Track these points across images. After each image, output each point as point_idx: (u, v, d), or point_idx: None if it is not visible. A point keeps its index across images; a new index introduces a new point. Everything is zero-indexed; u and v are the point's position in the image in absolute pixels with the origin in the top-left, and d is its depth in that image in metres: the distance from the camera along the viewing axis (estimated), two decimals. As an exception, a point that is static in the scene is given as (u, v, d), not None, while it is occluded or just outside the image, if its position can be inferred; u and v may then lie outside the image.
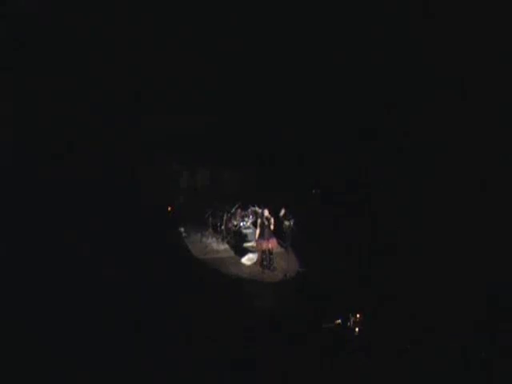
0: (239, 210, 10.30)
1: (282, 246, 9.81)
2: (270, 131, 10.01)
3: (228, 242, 10.36)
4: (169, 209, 10.59)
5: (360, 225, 9.06)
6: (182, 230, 10.57)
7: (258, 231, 9.20)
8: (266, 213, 9.13)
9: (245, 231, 10.20)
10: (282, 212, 9.63)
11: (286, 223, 9.66)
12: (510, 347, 5.22)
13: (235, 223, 10.31)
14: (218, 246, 10.25)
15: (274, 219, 9.09)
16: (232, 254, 9.94)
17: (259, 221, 9.19)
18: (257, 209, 10.03)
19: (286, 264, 9.24)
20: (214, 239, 10.52)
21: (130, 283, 7.47)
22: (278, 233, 9.44)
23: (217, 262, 9.39)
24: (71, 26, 8.54)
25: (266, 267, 9.12)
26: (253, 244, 9.82)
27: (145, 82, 9.60)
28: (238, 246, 10.06)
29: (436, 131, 7.81)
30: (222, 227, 10.37)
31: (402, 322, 6.19)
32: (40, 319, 6.03)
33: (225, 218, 10.25)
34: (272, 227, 9.06)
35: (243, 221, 10.29)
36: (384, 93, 8.24)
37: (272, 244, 9.14)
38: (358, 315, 6.80)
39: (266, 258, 9.16)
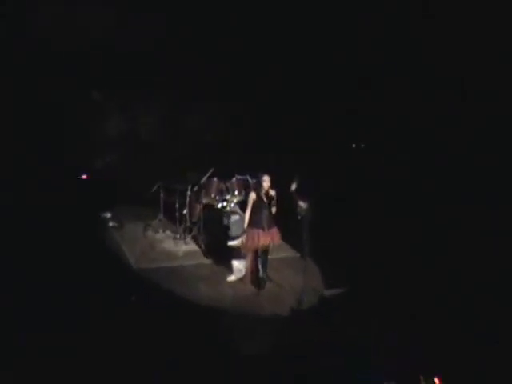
0: (215, 181, 9.58)
1: (295, 247, 9.21)
2: None
3: (194, 239, 9.71)
4: (83, 177, 10.43)
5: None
6: (109, 216, 10.19)
7: (247, 214, 8.27)
8: (266, 184, 8.10)
9: (226, 220, 9.44)
10: (295, 186, 8.46)
11: (303, 205, 8.45)
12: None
13: (206, 202, 9.63)
14: (176, 246, 9.56)
15: (277, 196, 8.21)
16: (202, 260, 9.15)
17: (252, 196, 8.19)
18: (248, 178, 9.42)
19: (301, 280, 8.15)
20: (169, 233, 9.96)
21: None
22: (288, 222, 8.50)
23: (173, 278, 8.56)
24: None
25: (261, 284, 8.17)
26: (239, 241, 8.81)
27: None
28: (214, 246, 9.37)
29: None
30: (184, 211, 9.66)
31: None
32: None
33: (188, 194, 9.54)
34: (274, 210, 8.20)
35: (222, 200, 9.55)
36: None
37: (274, 237, 8.21)
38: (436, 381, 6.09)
39: (262, 266, 8.21)
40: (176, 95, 11.45)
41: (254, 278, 8.35)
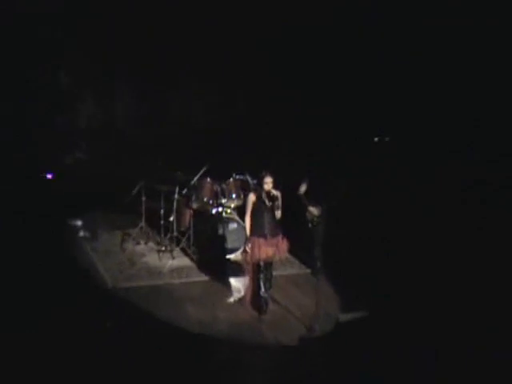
0: (208, 182, 9.22)
1: (305, 262, 8.88)
2: None
3: (183, 251, 9.32)
4: (48, 176, 10.61)
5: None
6: (79, 224, 9.94)
7: (247, 219, 7.77)
8: (268, 184, 7.53)
9: (222, 229, 9.09)
10: (304, 187, 7.69)
11: (314, 211, 7.83)
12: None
13: (196, 206, 9.23)
14: (161, 261, 9.00)
15: (283, 198, 7.78)
16: (192, 277, 8.62)
17: (251, 198, 7.69)
18: (248, 178, 9.11)
19: (312, 302, 7.48)
20: (152, 244, 9.58)
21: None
22: (296, 231, 7.81)
23: (157, 299, 8.01)
24: None
25: (263, 306, 7.61)
26: (239, 254, 8.82)
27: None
28: (207, 261, 8.91)
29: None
30: (171, 218, 9.21)
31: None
32: None
33: (176, 197, 9.12)
34: (279, 214, 7.65)
35: (217, 204, 9.22)
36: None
37: (279, 248, 7.71)
38: None
39: (265, 283, 7.65)
40: (164, 78, 10.99)
41: (256, 299, 7.64)
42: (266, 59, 12.11)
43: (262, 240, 7.53)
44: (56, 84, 11.47)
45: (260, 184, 7.64)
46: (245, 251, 7.97)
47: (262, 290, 7.63)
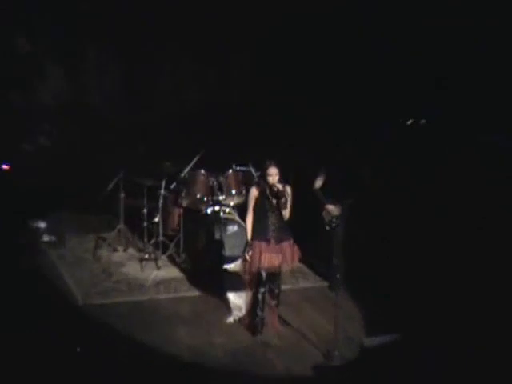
0: (202, 174, 8.46)
1: (321, 274, 8.24)
2: None
3: (171, 260, 8.67)
4: (3, 167, 9.98)
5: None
6: (43, 226, 9.15)
7: (249, 219, 7.13)
8: (272, 176, 6.83)
9: (219, 232, 8.34)
10: (320, 181, 7.68)
11: (332, 210, 7.53)
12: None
13: (187, 204, 8.56)
14: (144, 271, 8.25)
15: (294, 194, 7.12)
16: (182, 291, 7.86)
17: (253, 193, 7.02)
18: (251, 170, 8.55)
19: (330, 323, 6.76)
20: (133, 251, 8.79)
21: None
22: (310, 234, 7.73)
23: (139, 318, 7.13)
24: None
25: (258, 325, 6.93)
26: (238, 264, 7.92)
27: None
28: (200, 271, 8.13)
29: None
30: (156, 219, 8.61)
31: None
32: None
33: (162, 193, 8.49)
34: (287, 213, 7.03)
35: (213, 202, 8.53)
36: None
37: (286, 256, 7.00)
38: None
39: (262, 297, 6.99)
40: (151, 47, 10.61)
41: (252, 316, 6.97)
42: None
43: (264, 245, 6.81)
44: (13, 53, 10.48)
45: (263, 176, 6.90)
46: (244, 259, 7.12)
47: (260, 306, 6.96)
